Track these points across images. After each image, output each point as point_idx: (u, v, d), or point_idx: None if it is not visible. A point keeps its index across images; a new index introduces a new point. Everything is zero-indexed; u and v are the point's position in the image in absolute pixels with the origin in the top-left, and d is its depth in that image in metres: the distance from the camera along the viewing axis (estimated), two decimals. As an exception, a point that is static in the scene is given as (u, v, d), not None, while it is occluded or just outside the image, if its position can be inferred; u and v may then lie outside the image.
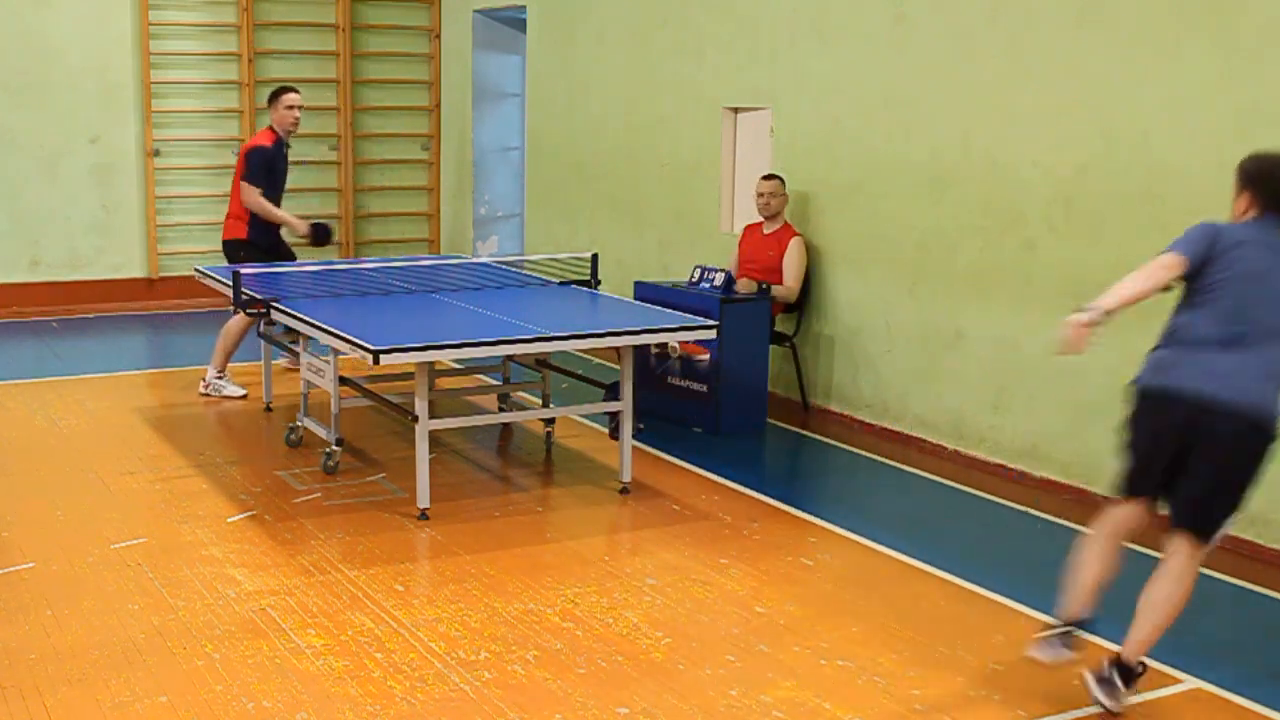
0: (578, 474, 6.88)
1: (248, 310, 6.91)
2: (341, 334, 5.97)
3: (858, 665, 4.59)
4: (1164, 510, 4.34)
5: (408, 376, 7.04)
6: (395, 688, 4.35)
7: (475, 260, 8.99)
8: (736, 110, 8.92)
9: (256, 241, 8.36)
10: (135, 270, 11.67)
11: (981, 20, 6.92)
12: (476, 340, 5.98)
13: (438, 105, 12.70)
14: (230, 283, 6.95)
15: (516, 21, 11.87)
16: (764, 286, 7.86)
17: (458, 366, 8.45)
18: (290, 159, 8.68)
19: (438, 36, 12.59)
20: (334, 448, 6.65)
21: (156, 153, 11.57)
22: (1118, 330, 6.31)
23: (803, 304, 8.12)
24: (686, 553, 5.68)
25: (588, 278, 7.70)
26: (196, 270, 8.02)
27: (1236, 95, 5.72)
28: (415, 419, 6.01)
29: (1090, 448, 6.46)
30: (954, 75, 7.10)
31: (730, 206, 9.03)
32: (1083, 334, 4.19)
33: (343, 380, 6.68)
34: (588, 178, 10.47)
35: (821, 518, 6.19)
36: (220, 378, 8.33)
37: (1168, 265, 4.27)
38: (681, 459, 7.09)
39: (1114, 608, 5.23)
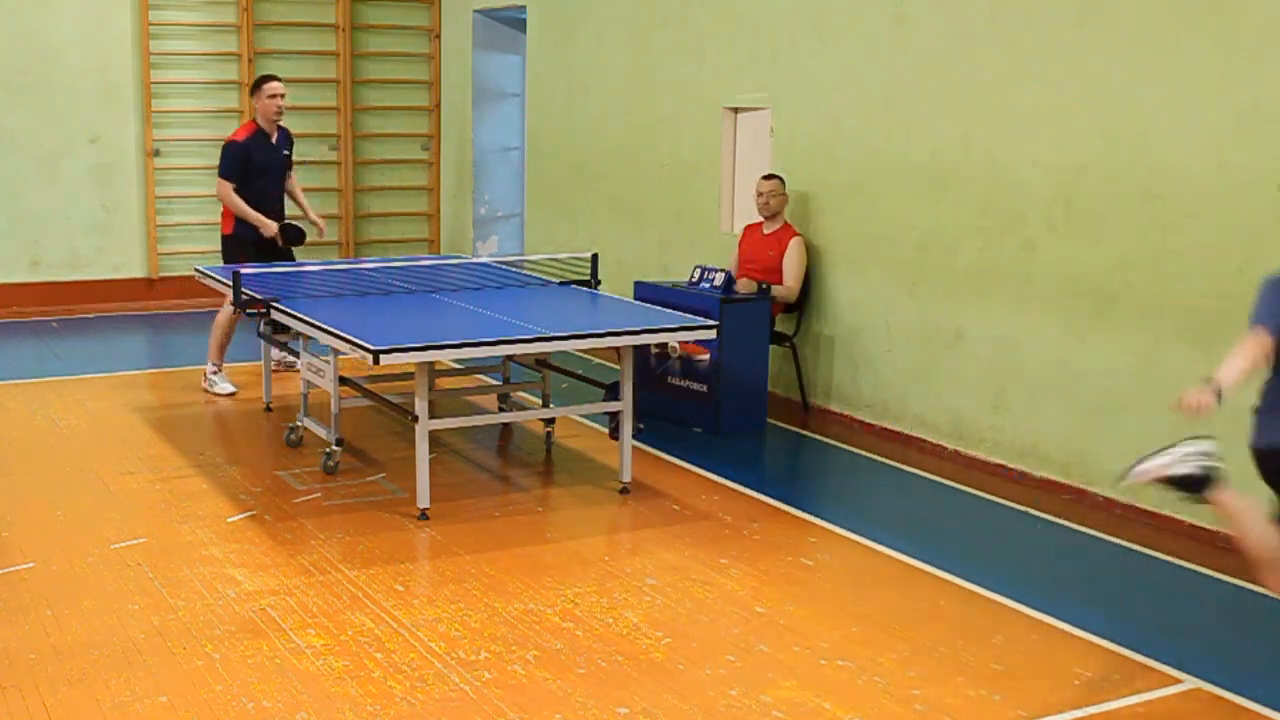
0: (578, 474, 6.88)
1: (248, 310, 6.92)
2: (341, 334, 5.97)
3: (858, 665, 4.59)
4: None
5: (408, 376, 7.04)
6: (395, 688, 4.35)
7: (475, 260, 8.99)
8: (736, 110, 8.92)
9: (242, 235, 8.34)
10: (135, 270, 11.67)
11: (981, 20, 6.92)
12: (476, 340, 5.98)
13: (438, 105, 12.71)
14: (230, 283, 6.95)
15: (516, 21, 11.87)
16: (764, 286, 7.86)
17: (458, 366, 8.45)
18: (294, 158, 8.68)
19: (438, 36, 12.59)
20: (334, 448, 6.65)
21: (156, 153, 11.57)
22: (1118, 330, 6.33)
23: (803, 304, 8.12)
24: (686, 553, 5.68)
25: (588, 278, 7.70)
26: (196, 270, 8.02)
27: (1236, 95, 5.72)
28: (415, 419, 6.01)
29: (1090, 448, 6.46)
30: (954, 75, 7.10)
31: (730, 206, 9.03)
32: (1206, 407, 4.25)
33: (343, 380, 6.69)
34: (588, 178, 10.47)
35: (821, 518, 6.19)
36: (216, 373, 8.36)
37: (1262, 344, 4.29)
38: (681, 459, 7.09)
39: (1114, 607, 5.23)
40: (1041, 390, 6.71)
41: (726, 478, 6.76)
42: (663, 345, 7.85)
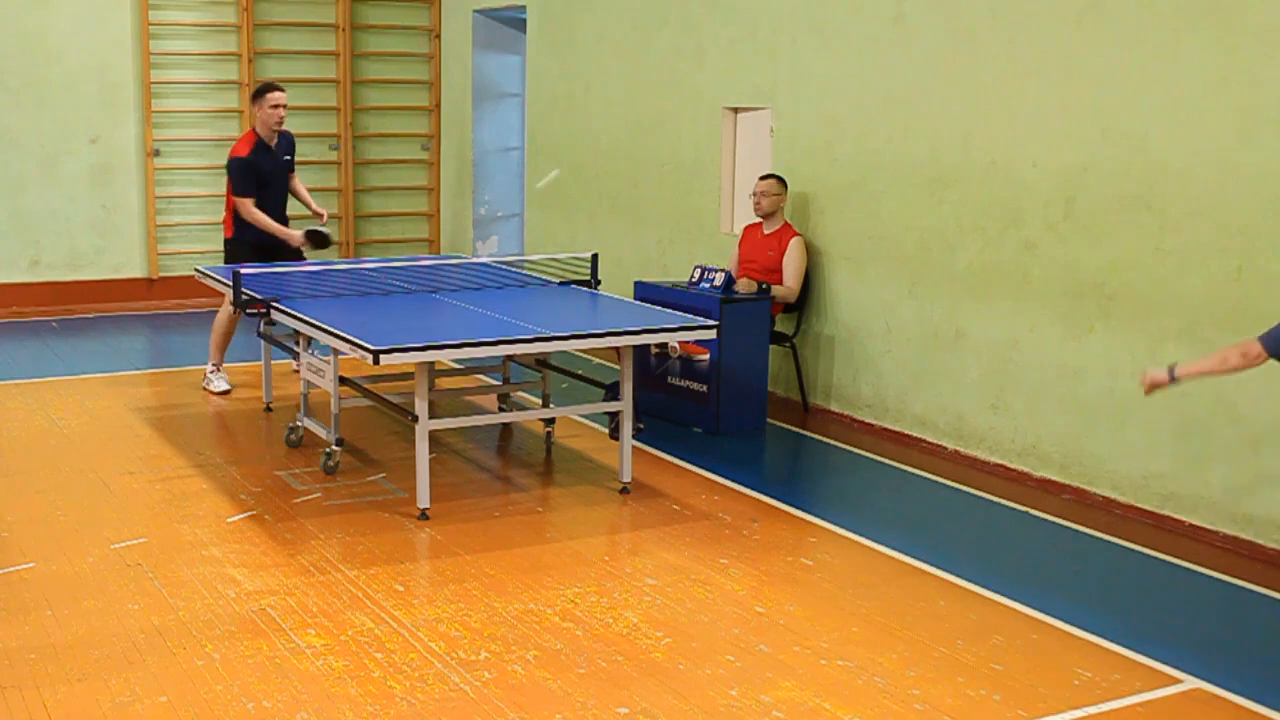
0: (578, 474, 6.88)
1: (248, 311, 6.92)
2: (341, 334, 5.97)
3: (858, 665, 4.59)
4: None
5: (408, 376, 7.05)
6: (395, 688, 4.35)
7: (475, 260, 8.99)
8: (736, 110, 8.92)
9: (243, 239, 8.34)
10: (135, 270, 11.67)
11: (981, 20, 6.92)
12: (476, 340, 5.98)
13: (438, 105, 12.71)
14: (230, 283, 6.95)
15: (516, 21, 11.87)
16: (764, 286, 7.86)
17: (458, 366, 8.46)
18: (295, 159, 8.69)
19: (438, 36, 12.59)
20: (334, 448, 6.65)
21: (156, 153, 11.57)
22: (1117, 330, 6.33)
23: (803, 304, 8.12)
24: (686, 553, 5.68)
25: (588, 278, 7.70)
26: (196, 270, 8.03)
27: (1236, 95, 5.72)
28: (415, 419, 6.01)
29: (1090, 448, 6.46)
30: (954, 75, 7.10)
31: (730, 206, 9.03)
32: (1157, 387, 4.72)
33: (343, 380, 6.69)
34: (588, 178, 10.47)
35: (821, 518, 6.19)
36: (215, 371, 8.37)
37: (1246, 354, 4.46)
38: (681, 459, 7.09)
39: (1114, 607, 5.23)
40: (1041, 390, 6.71)
41: (726, 478, 6.76)
42: (663, 345, 7.85)
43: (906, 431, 7.56)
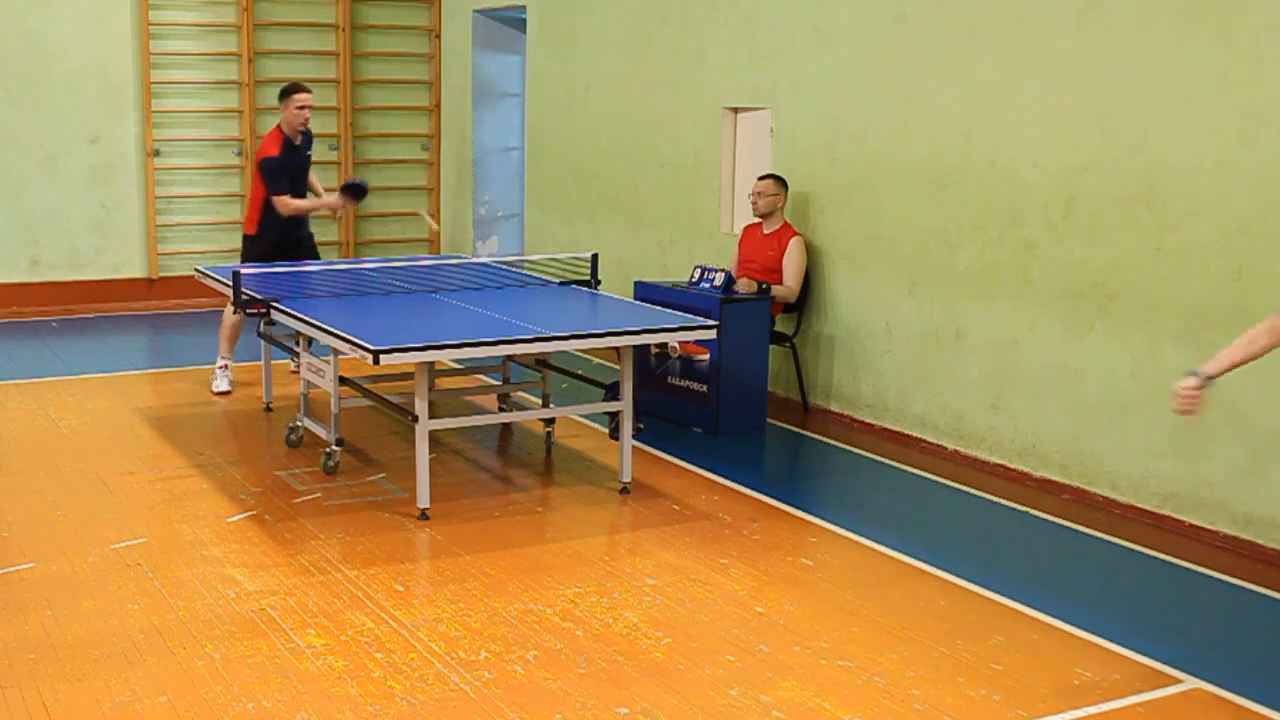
0: (578, 474, 6.88)
1: (248, 311, 6.92)
2: (341, 334, 5.97)
3: (858, 665, 4.59)
4: None
5: (408, 376, 7.05)
6: (395, 688, 4.35)
7: (475, 260, 8.99)
8: (736, 110, 8.93)
9: (266, 236, 8.44)
10: (135, 270, 11.67)
11: (981, 20, 6.92)
12: (476, 340, 5.98)
13: (438, 105, 12.71)
14: (230, 283, 6.95)
15: (516, 21, 11.87)
16: (764, 286, 7.86)
17: (458, 366, 8.46)
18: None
19: (438, 36, 12.59)
20: (334, 448, 6.65)
21: (156, 153, 11.57)
22: (1117, 330, 6.33)
23: (803, 304, 8.12)
24: (686, 553, 5.68)
25: (588, 278, 7.70)
26: (196, 270, 8.03)
27: (1236, 95, 5.72)
28: (415, 419, 6.01)
29: (1090, 448, 6.46)
30: (954, 75, 7.10)
31: (730, 206, 9.03)
32: (1193, 399, 4.17)
33: (343, 380, 6.69)
34: (588, 178, 10.47)
35: (821, 518, 6.19)
36: (222, 369, 8.41)
37: (1274, 330, 4.13)
38: (681, 459, 7.09)
39: (1114, 607, 5.23)
40: (1041, 390, 6.71)
41: (726, 478, 6.76)
42: (663, 345, 7.85)
43: (906, 431, 7.56)
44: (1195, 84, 5.88)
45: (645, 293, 7.92)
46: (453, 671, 4.48)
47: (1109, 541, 5.96)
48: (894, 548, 5.77)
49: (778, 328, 8.10)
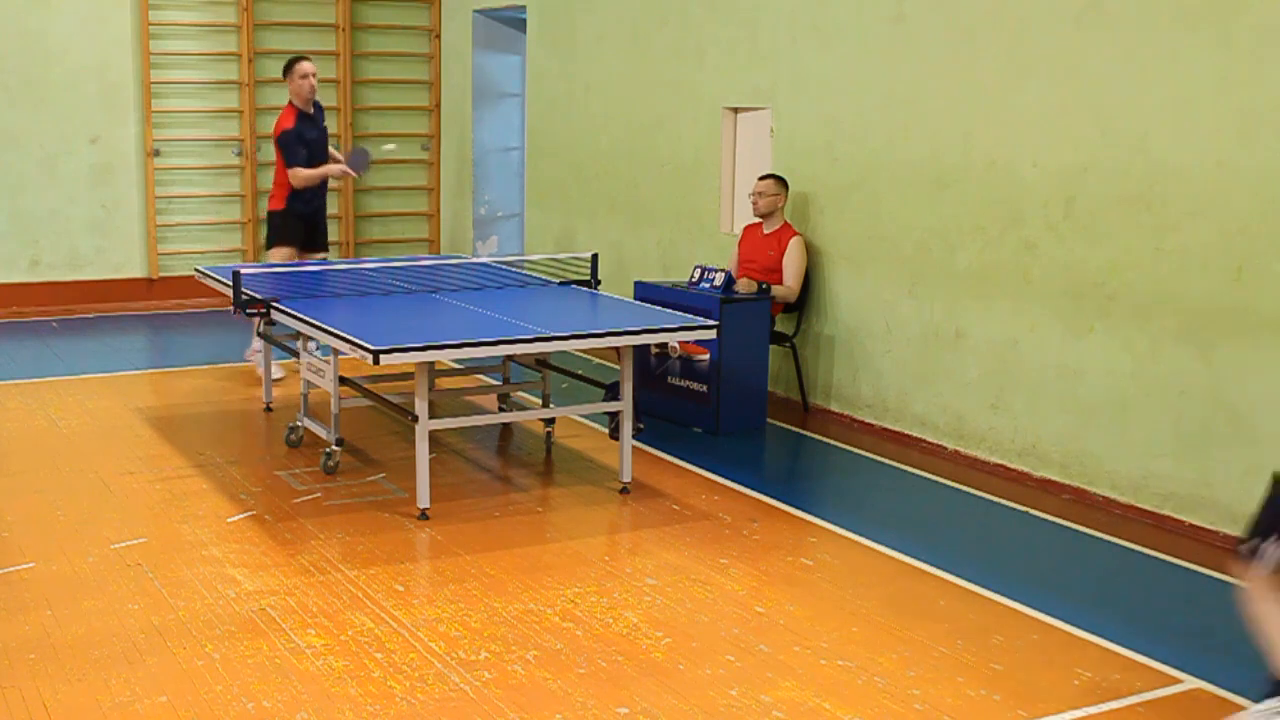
0: (578, 474, 6.88)
1: (248, 311, 6.92)
2: (341, 334, 5.97)
3: (858, 665, 4.59)
4: None
5: (408, 376, 7.05)
6: (395, 688, 4.35)
7: (475, 260, 8.99)
8: (736, 110, 8.93)
9: (292, 209, 8.64)
10: (135, 270, 11.67)
11: (981, 20, 6.92)
12: (476, 340, 5.98)
13: (438, 105, 12.71)
14: (230, 283, 6.95)
15: (516, 21, 11.87)
16: (764, 286, 7.86)
17: (458, 366, 8.46)
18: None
19: (438, 36, 12.59)
20: (334, 448, 6.65)
21: (156, 153, 11.57)
22: (1117, 330, 6.33)
23: (803, 304, 8.12)
24: (686, 553, 5.68)
25: (588, 278, 7.70)
26: (196, 270, 8.03)
27: (1236, 95, 5.72)
28: (415, 419, 6.01)
29: (1090, 448, 6.46)
30: (954, 75, 7.10)
31: (730, 206, 9.03)
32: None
33: (343, 380, 6.68)
34: (588, 178, 10.47)
35: (821, 518, 6.19)
36: (258, 352, 8.53)
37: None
38: (681, 459, 7.09)
39: (1114, 607, 5.23)
40: (1041, 390, 6.71)
41: (726, 478, 6.76)
42: (663, 345, 7.85)
43: (906, 431, 7.56)
44: (1195, 84, 5.88)
45: (645, 293, 7.92)
46: (453, 671, 4.48)
47: (1109, 541, 5.96)
48: (894, 548, 5.77)
49: (778, 328, 8.10)
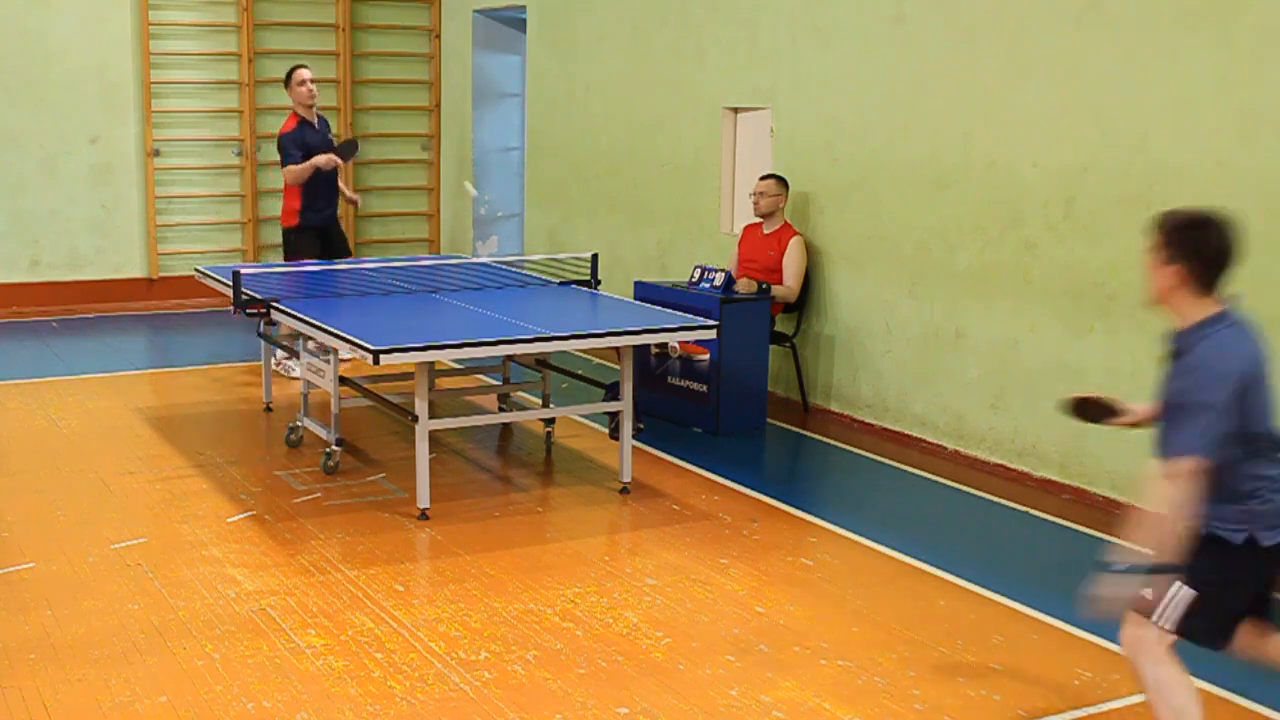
0: (578, 474, 6.88)
1: (248, 311, 6.92)
2: (341, 334, 5.97)
3: (858, 665, 4.59)
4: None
5: (408, 376, 7.05)
6: (395, 688, 4.35)
7: (475, 260, 8.99)
8: (736, 110, 8.92)
9: (306, 225, 8.75)
10: (135, 270, 11.67)
11: (981, 20, 6.92)
12: (476, 340, 5.98)
13: (438, 105, 12.70)
14: (230, 283, 6.95)
15: (516, 21, 11.87)
16: (764, 286, 7.86)
17: (458, 366, 8.46)
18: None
19: (438, 36, 12.58)
20: (334, 448, 6.65)
21: (156, 153, 11.57)
22: (1117, 330, 6.33)
23: (803, 304, 8.12)
24: (686, 553, 5.68)
25: (588, 278, 7.70)
26: (196, 270, 8.03)
27: (1236, 95, 5.72)
28: (415, 419, 6.01)
29: (1090, 448, 6.46)
30: (954, 75, 7.10)
31: (730, 206, 9.03)
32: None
33: (343, 380, 6.69)
34: (588, 178, 10.47)
35: (821, 518, 6.19)
36: (288, 358, 8.52)
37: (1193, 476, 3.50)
38: (681, 459, 7.09)
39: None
40: (1041, 390, 6.71)
41: (726, 478, 6.76)
42: (663, 345, 7.85)
43: (906, 431, 7.56)
44: (1195, 84, 5.88)
45: (645, 293, 7.92)
46: (453, 671, 4.48)
47: (1109, 541, 5.95)
48: (894, 548, 5.77)
49: (778, 328, 8.10)
